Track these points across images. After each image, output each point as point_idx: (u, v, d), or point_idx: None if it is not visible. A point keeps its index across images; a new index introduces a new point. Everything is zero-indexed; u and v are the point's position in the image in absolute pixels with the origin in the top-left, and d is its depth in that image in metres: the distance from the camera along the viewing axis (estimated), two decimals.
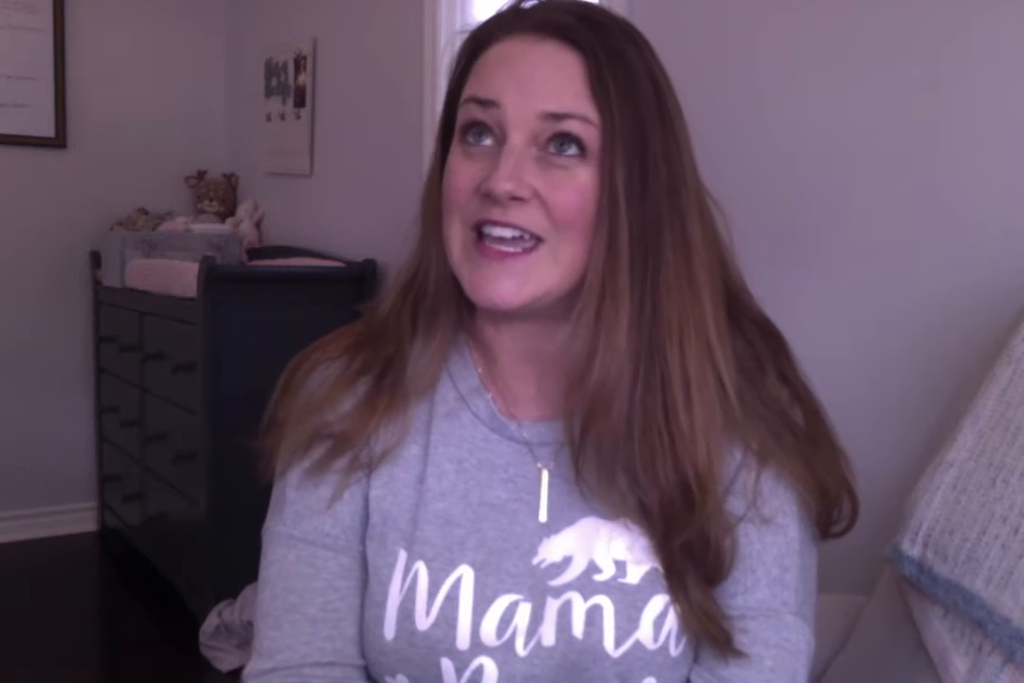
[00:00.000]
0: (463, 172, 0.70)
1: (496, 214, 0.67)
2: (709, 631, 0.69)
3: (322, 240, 2.75)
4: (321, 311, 2.25)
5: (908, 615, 0.96)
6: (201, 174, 3.20)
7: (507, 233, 0.68)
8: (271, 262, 2.66)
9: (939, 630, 0.91)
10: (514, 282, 0.68)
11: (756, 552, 0.71)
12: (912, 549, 0.94)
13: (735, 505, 0.71)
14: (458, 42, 0.76)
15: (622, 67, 0.67)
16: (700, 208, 0.71)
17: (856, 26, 1.35)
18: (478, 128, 0.69)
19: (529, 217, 0.67)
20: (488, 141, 0.69)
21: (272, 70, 2.96)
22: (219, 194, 3.18)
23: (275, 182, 3.03)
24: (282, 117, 2.92)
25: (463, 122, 0.70)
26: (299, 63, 2.81)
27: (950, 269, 1.24)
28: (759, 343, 0.75)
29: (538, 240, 0.68)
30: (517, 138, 0.67)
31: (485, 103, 0.68)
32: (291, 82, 2.86)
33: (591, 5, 0.72)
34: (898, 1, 1.29)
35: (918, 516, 0.94)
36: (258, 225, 3.09)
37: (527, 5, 0.71)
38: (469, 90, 0.71)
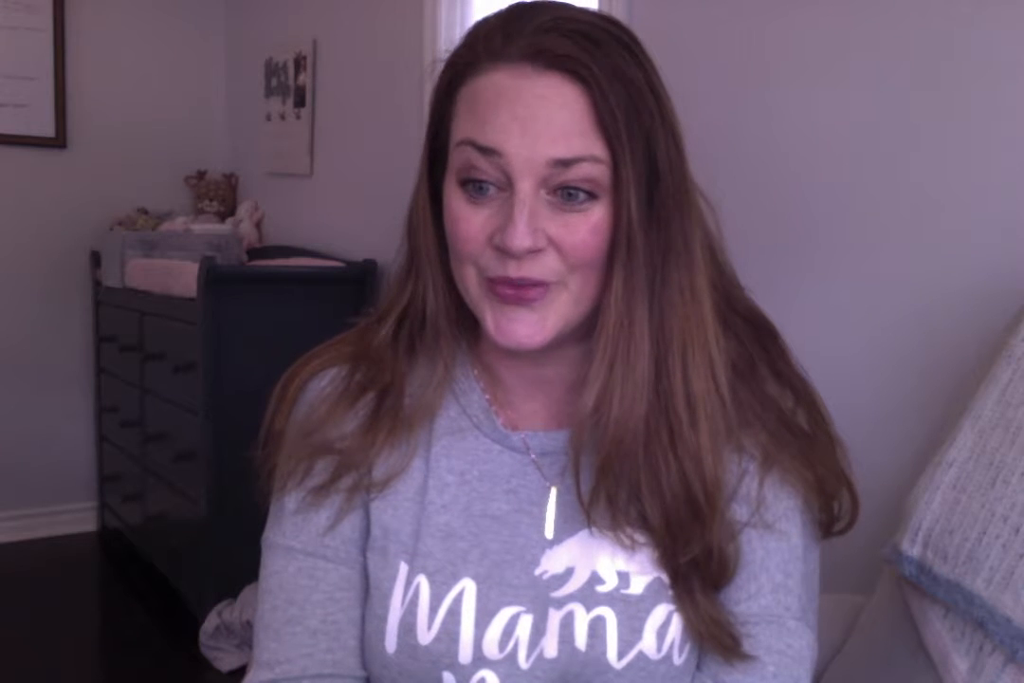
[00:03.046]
0: (470, 221, 0.66)
1: (512, 270, 0.65)
2: (716, 636, 0.68)
3: (322, 240, 2.75)
4: (321, 311, 2.26)
5: (908, 615, 0.96)
6: (201, 174, 3.20)
7: (523, 283, 0.66)
8: (271, 262, 2.65)
9: (939, 630, 0.91)
10: (535, 318, 0.67)
11: (759, 559, 0.71)
12: (912, 549, 0.94)
13: (739, 512, 0.70)
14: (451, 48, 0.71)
15: (625, 90, 0.64)
16: (698, 211, 0.70)
17: (856, 26, 1.35)
18: (477, 183, 0.65)
19: (544, 268, 0.65)
20: (491, 191, 0.65)
21: (272, 70, 2.96)
22: (219, 194, 3.18)
23: (275, 182, 3.03)
24: (282, 117, 2.92)
25: (461, 167, 0.66)
26: (299, 63, 2.81)
27: (950, 269, 1.24)
28: (750, 340, 0.74)
29: (555, 280, 0.66)
30: (525, 186, 0.64)
31: (486, 150, 0.64)
32: (291, 82, 2.86)
33: (580, 17, 0.66)
34: (898, 1, 1.29)
35: (918, 516, 0.94)
36: (258, 225, 3.09)
37: (513, 11, 0.66)
38: (464, 131, 0.66)
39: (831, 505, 0.73)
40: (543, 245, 0.64)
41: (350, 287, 2.43)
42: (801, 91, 1.43)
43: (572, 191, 0.64)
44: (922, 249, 1.28)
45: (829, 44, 1.39)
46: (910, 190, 1.29)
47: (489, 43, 0.65)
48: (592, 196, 0.65)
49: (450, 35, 2.22)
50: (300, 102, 2.82)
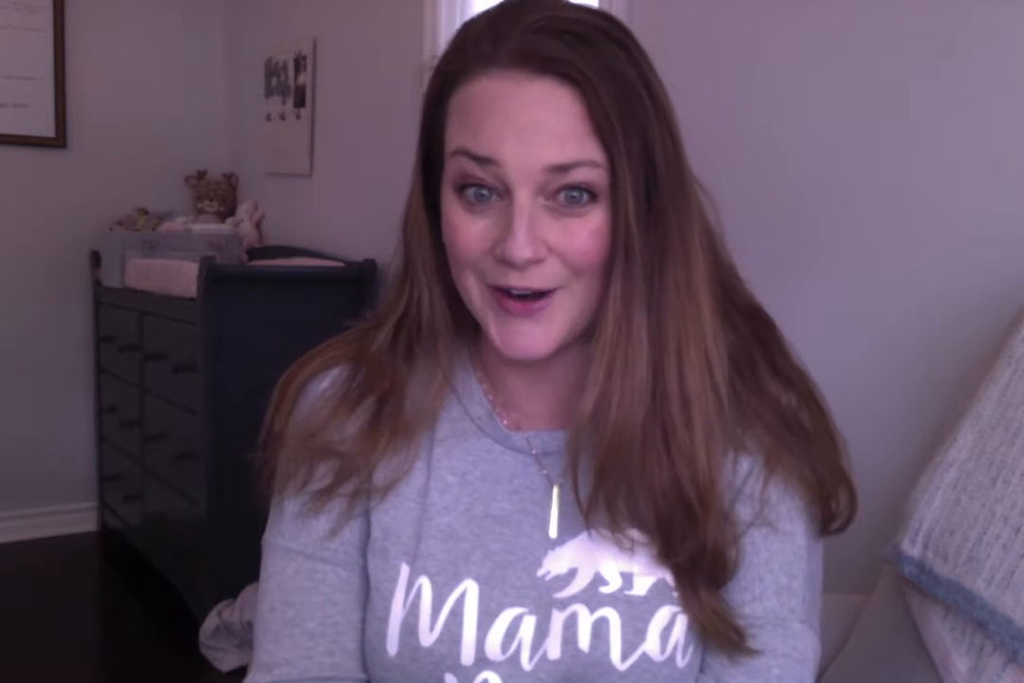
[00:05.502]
0: (469, 230, 0.66)
1: (514, 279, 0.64)
2: (720, 631, 0.68)
3: (322, 240, 2.75)
4: (321, 311, 2.26)
5: (908, 615, 0.96)
6: (201, 174, 3.20)
7: (527, 293, 0.66)
8: (271, 262, 2.65)
9: (940, 630, 0.91)
10: (542, 329, 0.66)
11: (763, 560, 0.70)
12: (912, 549, 0.94)
13: (742, 512, 0.70)
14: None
15: (618, 88, 0.62)
16: (696, 204, 0.69)
17: (857, 25, 1.35)
18: (476, 188, 0.65)
19: (547, 276, 0.65)
20: (490, 198, 0.65)
21: (272, 70, 2.95)
22: (219, 194, 3.18)
23: (275, 182, 3.03)
24: (282, 117, 2.92)
25: (457, 176, 0.65)
26: (299, 63, 2.81)
27: (950, 269, 1.24)
28: (748, 336, 0.73)
29: (559, 285, 0.66)
30: (523, 194, 0.63)
31: (481, 160, 0.63)
32: (291, 82, 2.86)
33: (570, 14, 0.64)
34: (898, 1, 1.29)
35: (918, 516, 0.94)
36: (258, 225, 3.09)
37: (502, 10, 0.65)
38: (458, 140, 0.65)
39: (829, 504, 0.73)
40: (544, 255, 0.64)
41: (350, 287, 2.42)
42: (801, 90, 1.43)
43: (574, 194, 0.64)
44: (922, 249, 1.28)
45: (829, 44, 1.39)
46: (910, 190, 1.29)
47: (478, 48, 0.64)
48: (592, 197, 0.64)
49: (450, 35, 2.21)
50: (300, 102, 2.82)
